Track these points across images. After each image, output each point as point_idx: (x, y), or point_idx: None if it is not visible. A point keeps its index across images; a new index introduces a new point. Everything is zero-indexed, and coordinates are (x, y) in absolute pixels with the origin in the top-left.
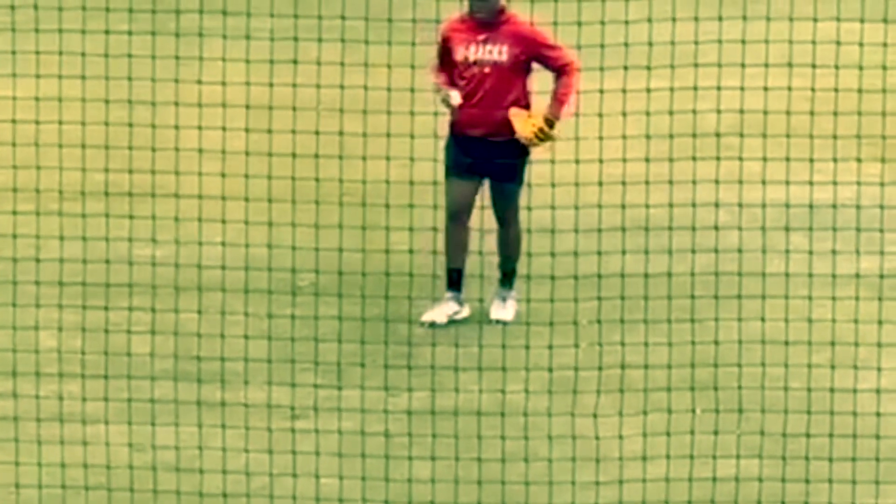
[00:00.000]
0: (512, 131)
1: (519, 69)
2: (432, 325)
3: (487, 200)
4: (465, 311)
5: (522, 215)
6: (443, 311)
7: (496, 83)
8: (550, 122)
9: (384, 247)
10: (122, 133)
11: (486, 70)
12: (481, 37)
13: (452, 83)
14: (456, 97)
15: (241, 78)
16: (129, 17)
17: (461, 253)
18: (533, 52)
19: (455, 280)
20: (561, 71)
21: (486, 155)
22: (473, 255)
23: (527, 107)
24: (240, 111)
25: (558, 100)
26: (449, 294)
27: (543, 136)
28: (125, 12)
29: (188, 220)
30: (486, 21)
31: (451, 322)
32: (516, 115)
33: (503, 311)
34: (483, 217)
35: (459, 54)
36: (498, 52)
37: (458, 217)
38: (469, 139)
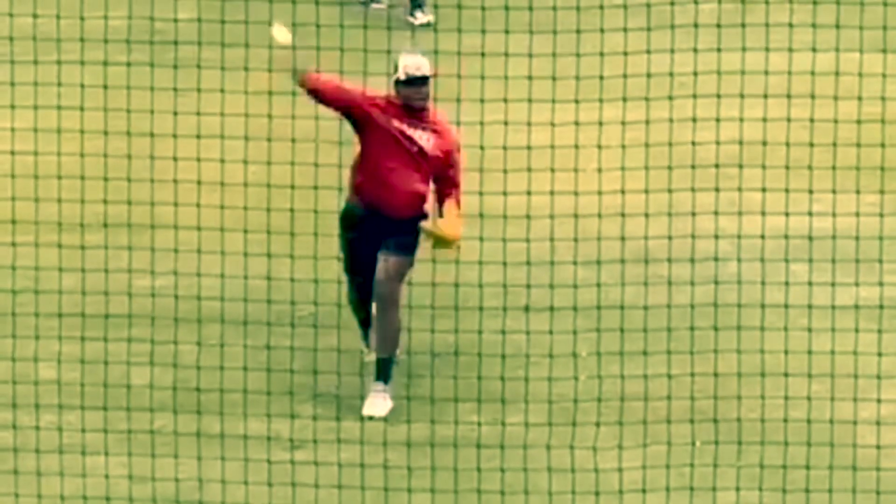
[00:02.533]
0: (413, 212)
1: (434, 162)
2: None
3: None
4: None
5: (517, 248)
6: (383, 406)
7: (415, 165)
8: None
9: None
10: (120, 164)
11: (414, 150)
12: (411, 120)
13: (364, 158)
14: (282, 34)
15: (239, 109)
16: (128, 49)
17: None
18: (449, 153)
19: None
20: (455, 185)
21: (383, 230)
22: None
23: (426, 198)
24: (238, 143)
25: (455, 194)
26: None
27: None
28: (123, 43)
29: (187, 251)
30: (417, 110)
31: (450, 353)
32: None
33: (373, 407)
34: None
35: (390, 125)
36: (426, 139)
37: (361, 300)
38: (366, 215)
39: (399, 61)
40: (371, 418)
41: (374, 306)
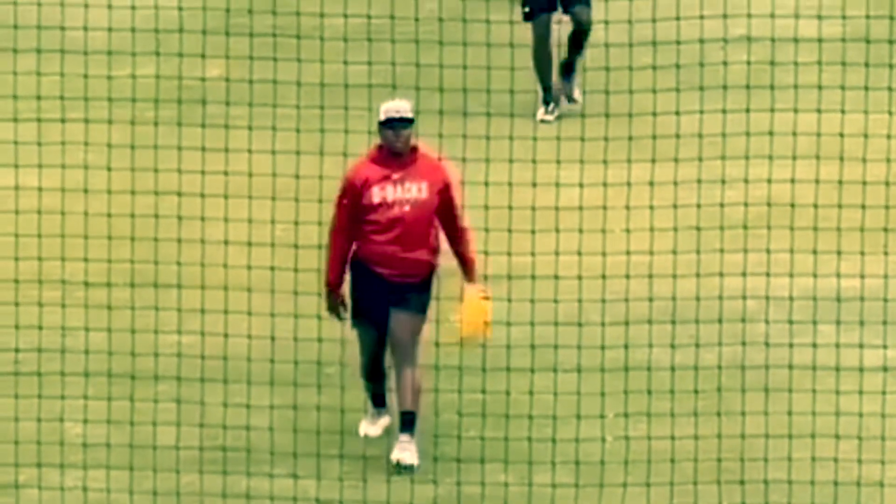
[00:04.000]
0: (425, 271)
1: (434, 206)
2: (366, 437)
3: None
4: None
5: (545, 308)
6: (380, 424)
7: (415, 221)
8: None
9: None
10: (147, 224)
11: (406, 209)
12: (397, 175)
13: (361, 231)
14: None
15: (267, 169)
16: (156, 107)
17: (382, 381)
18: (446, 193)
19: (380, 399)
20: (461, 232)
21: (394, 290)
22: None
23: (437, 248)
24: (266, 203)
25: (471, 261)
26: (375, 411)
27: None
28: (151, 102)
29: (214, 311)
30: (398, 156)
31: (477, 414)
32: (469, 303)
33: (404, 453)
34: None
35: (375, 196)
36: (417, 190)
37: (373, 361)
38: (377, 278)
39: (381, 107)
40: (398, 464)
41: (391, 362)
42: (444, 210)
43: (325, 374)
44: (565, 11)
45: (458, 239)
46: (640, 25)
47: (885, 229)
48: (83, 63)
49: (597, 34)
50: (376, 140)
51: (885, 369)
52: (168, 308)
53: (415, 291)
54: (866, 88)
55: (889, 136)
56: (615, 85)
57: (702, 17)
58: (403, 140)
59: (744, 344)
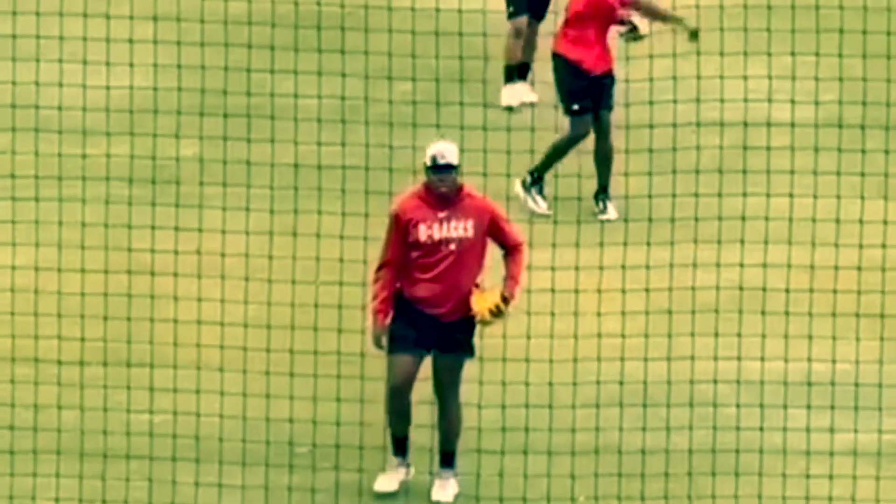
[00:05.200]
0: (468, 309)
1: (482, 244)
2: (384, 494)
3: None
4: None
5: (516, 391)
6: (395, 478)
7: (461, 260)
8: (506, 300)
9: (382, 420)
10: (121, 303)
11: (452, 247)
12: (442, 214)
13: (406, 269)
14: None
15: (240, 249)
16: (129, 186)
17: (405, 421)
18: (493, 226)
19: (401, 445)
20: (514, 249)
21: (437, 329)
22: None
23: (478, 281)
24: (239, 282)
25: (513, 278)
26: (396, 460)
27: (497, 314)
28: (125, 181)
29: (186, 390)
30: (443, 196)
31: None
32: (477, 298)
33: (443, 492)
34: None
35: (422, 234)
36: (463, 228)
37: (400, 391)
38: (422, 315)
39: (428, 149)
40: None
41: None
42: (497, 240)
43: (296, 454)
44: (595, 115)
45: (509, 257)
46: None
47: (857, 314)
48: (57, 142)
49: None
50: (421, 177)
51: (855, 454)
52: (140, 387)
53: (459, 332)
54: (839, 173)
55: (861, 222)
56: (587, 169)
57: (675, 101)
58: (448, 184)
59: (714, 428)
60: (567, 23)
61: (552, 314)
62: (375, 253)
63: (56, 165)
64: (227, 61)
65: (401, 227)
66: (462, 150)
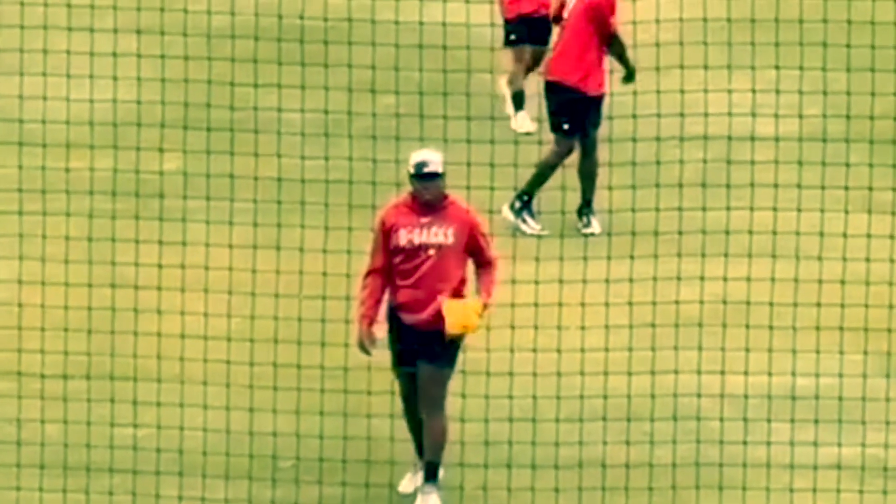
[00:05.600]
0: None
1: (461, 253)
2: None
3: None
4: (441, 473)
5: (499, 405)
6: (413, 481)
7: (439, 266)
8: (481, 313)
9: (366, 433)
10: (104, 316)
11: (431, 253)
12: (425, 220)
13: (391, 276)
14: (379, 330)
15: (223, 263)
16: (113, 200)
17: (419, 429)
18: (472, 238)
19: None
20: (487, 264)
21: (417, 340)
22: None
23: (461, 292)
24: (222, 296)
25: (486, 291)
26: (420, 462)
27: (466, 327)
28: (109, 195)
29: (170, 404)
30: (431, 203)
31: None
32: (449, 306)
33: (426, 503)
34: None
35: (402, 238)
36: (444, 235)
37: (409, 401)
38: (406, 327)
39: (412, 157)
40: None
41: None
42: (473, 251)
43: (279, 468)
44: (584, 132)
45: (481, 270)
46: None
47: (841, 328)
48: (41, 155)
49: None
50: (407, 188)
51: (839, 467)
52: (124, 400)
53: (438, 342)
54: (822, 187)
55: (845, 235)
56: (571, 182)
57: (658, 116)
58: (432, 192)
59: (698, 441)
60: (563, 44)
61: (535, 328)
62: (359, 267)
63: (40, 179)
64: (210, 75)
65: (385, 233)
66: (446, 163)
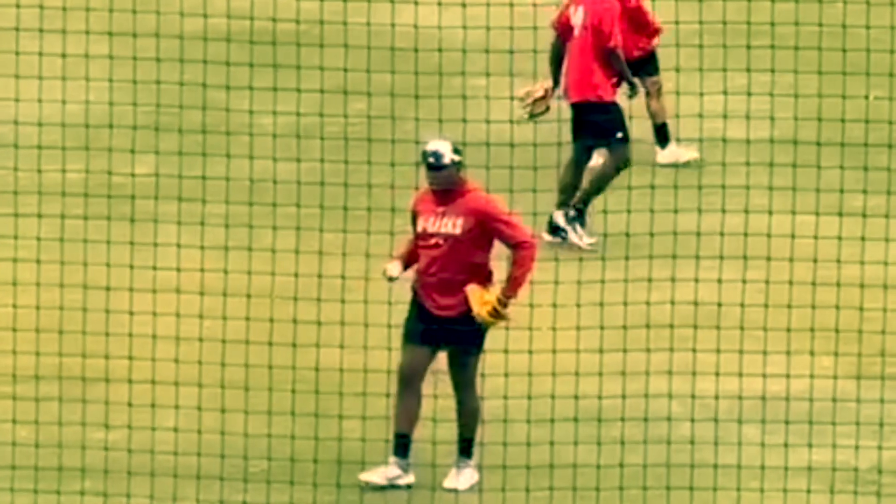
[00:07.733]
0: (466, 306)
1: (474, 243)
2: (367, 485)
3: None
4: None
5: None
6: (383, 473)
7: (449, 256)
8: (504, 302)
9: (337, 435)
10: (76, 317)
11: (440, 242)
12: (440, 209)
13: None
14: (394, 268)
15: (195, 264)
16: (85, 202)
17: (410, 419)
18: (488, 226)
19: (402, 445)
20: (517, 247)
21: (438, 324)
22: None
23: (485, 281)
24: (194, 297)
25: (514, 279)
26: (393, 459)
27: (496, 315)
28: (81, 197)
29: (141, 405)
30: (445, 192)
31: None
32: (472, 292)
33: (457, 480)
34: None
35: (419, 225)
36: (452, 225)
37: (409, 383)
38: (423, 309)
39: (423, 146)
40: (452, 490)
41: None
42: (500, 240)
43: (251, 470)
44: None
45: (513, 258)
46: (568, 125)
47: (812, 330)
48: (13, 157)
49: (525, 135)
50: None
51: (809, 469)
52: (95, 402)
53: (460, 325)
54: (794, 189)
55: (816, 238)
56: (542, 184)
57: (630, 118)
58: (439, 181)
59: (669, 443)
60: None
61: (506, 329)
62: (331, 268)
63: (12, 181)
64: (182, 77)
65: (413, 217)
66: (416, 164)
